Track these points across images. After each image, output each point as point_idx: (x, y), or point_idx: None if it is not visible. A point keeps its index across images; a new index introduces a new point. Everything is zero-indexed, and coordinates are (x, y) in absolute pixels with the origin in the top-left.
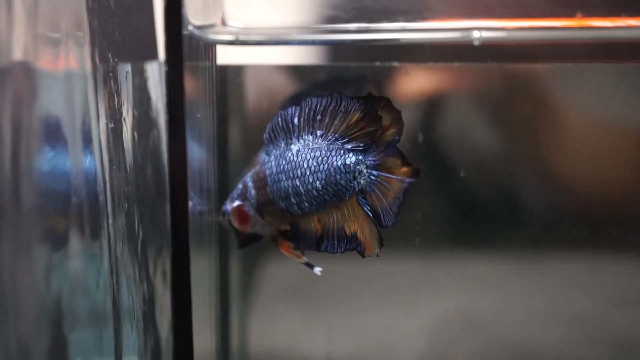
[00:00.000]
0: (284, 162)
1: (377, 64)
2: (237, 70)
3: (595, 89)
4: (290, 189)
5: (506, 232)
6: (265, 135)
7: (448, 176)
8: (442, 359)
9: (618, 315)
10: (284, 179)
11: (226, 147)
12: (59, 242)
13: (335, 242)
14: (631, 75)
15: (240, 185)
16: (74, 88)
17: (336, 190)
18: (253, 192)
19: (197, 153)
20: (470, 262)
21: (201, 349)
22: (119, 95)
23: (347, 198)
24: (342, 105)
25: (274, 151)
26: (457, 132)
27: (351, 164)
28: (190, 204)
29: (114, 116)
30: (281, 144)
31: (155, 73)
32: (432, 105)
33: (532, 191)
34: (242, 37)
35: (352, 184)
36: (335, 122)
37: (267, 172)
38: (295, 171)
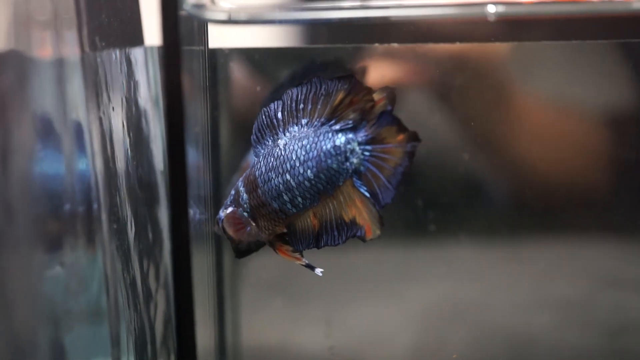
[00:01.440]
0: (272, 159)
1: (376, 45)
2: (229, 54)
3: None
4: (281, 185)
5: (487, 218)
6: (253, 137)
7: (426, 161)
8: (434, 347)
9: (604, 298)
10: (273, 176)
11: (218, 137)
12: (50, 241)
13: (335, 233)
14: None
15: (232, 191)
16: (63, 75)
17: (329, 177)
18: (245, 196)
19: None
20: (453, 250)
21: (200, 345)
22: (107, 83)
23: (341, 183)
24: (323, 89)
25: (262, 151)
26: (420, 116)
27: (341, 145)
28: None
29: (104, 105)
30: (268, 141)
31: (141, 59)
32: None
33: (508, 175)
34: (235, 16)
35: (344, 166)
36: (319, 107)
37: (257, 173)
38: (284, 165)
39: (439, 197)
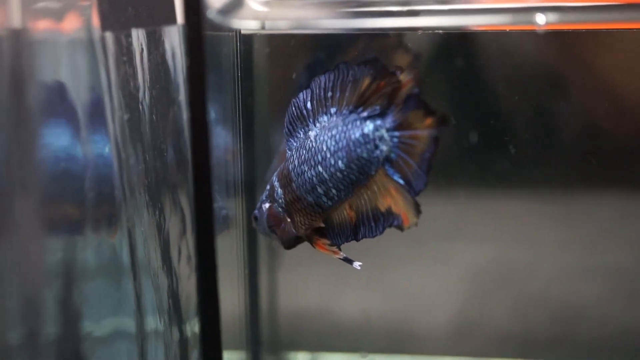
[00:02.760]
0: (304, 151)
1: (419, 32)
2: (264, 39)
3: None
4: (314, 178)
5: (543, 171)
6: (284, 130)
7: (477, 112)
8: (476, 316)
9: None
10: (306, 169)
11: (252, 125)
12: (70, 227)
13: (373, 224)
14: None
15: (268, 186)
16: (81, 58)
17: (360, 166)
18: (280, 191)
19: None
20: (504, 207)
21: (230, 308)
22: (133, 67)
23: (373, 172)
24: (350, 75)
25: (295, 144)
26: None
27: (370, 132)
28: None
29: (129, 91)
30: (300, 134)
31: (174, 40)
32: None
33: (569, 127)
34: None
35: (375, 155)
36: (347, 94)
37: (290, 167)
38: (316, 157)
39: (488, 153)
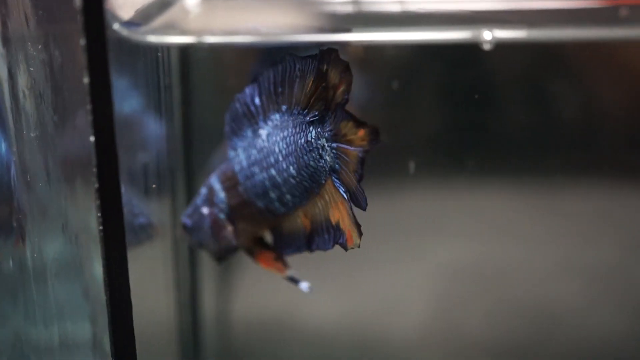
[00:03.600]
0: (254, 151)
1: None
2: (196, 49)
3: None
4: (267, 181)
5: (524, 165)
6: (227, 128)
7: (454, 100)
8: (452, 318)
9: None
10: (257, 171)
11: (190, 134)
12: None
13: (326, 236)
14: None
15: (203, 190)
16: None
17: (310, 174)
18: (222, 194)
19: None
20: (483, 201)
21: (159, 316)
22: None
23: (323, 182)
24: (297, 69)
25: (241, 143)
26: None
27: (312, 140)
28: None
29: (29, 87)
30: (247, 132)
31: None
32: None
33: (553, 118)
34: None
35: (321, 163)
36: (295, 91)
37: (237, 167)
38: (268, 159)
39: (470, 147)
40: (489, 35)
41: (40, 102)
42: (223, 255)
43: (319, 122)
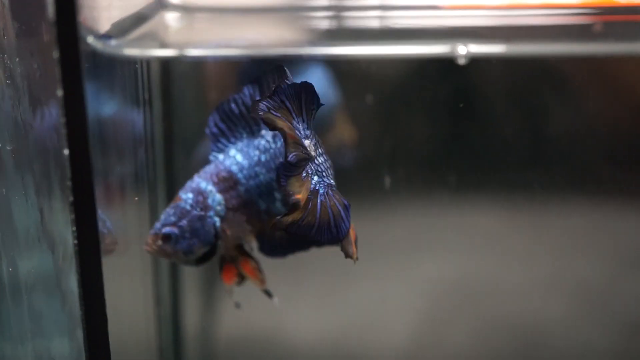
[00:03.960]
0: (256, 152)
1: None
2: (177, 62)
3: None
4: (274, 182)
5: (509, 181)
6: (212, 130)
7: (442, 122)
8: (437, 334)
9: (630, 284)
10: (263, 171)
11: (171, 148)
12: None
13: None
14: None
15: (188, 195)
16: None
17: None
18: (218, 197)
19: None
20: (468, 217)
21: (137, 333)
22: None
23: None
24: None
25: (234, 144)
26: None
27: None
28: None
29: None
30: (243, 133)
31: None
32: None
33: (538, 133)
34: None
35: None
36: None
37: (234, 168)
38: (275, 160)
39: (454, 160)
40: (463, 50)
41: (17, 115)
42: (197, 262)
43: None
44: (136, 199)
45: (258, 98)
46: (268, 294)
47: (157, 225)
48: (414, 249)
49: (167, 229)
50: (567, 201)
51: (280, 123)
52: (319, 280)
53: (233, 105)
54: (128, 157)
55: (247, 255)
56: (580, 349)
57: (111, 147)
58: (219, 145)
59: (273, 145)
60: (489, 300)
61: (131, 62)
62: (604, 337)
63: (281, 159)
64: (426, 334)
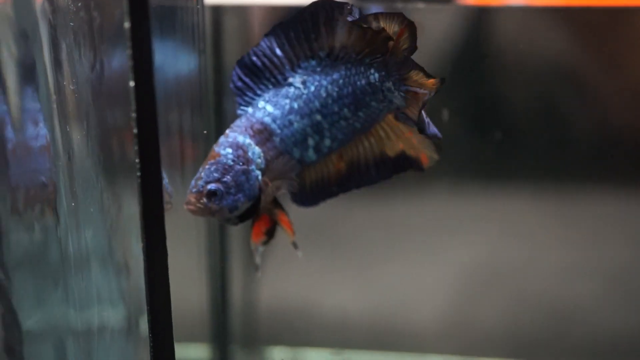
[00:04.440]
0: (286, 100)
1: (399, 5)
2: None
3: None
4: (308, 128)
5: (542, 165)
6: (237, 84)
7: (477, 103)
8: (467, 314)
9: None
10: (297, 119)
11: (222, 101)
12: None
13: (373, 172)
14: None
15: (227, 150)
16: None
17: (369, 114)
18: (257, 149)
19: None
20: (500, 201)
21: (193, 299)
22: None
23: (381, 120)
24: (335, 14)
25: (262, 95)
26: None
27: (377, 82)
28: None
29: (67, 63)
30: (267, 84)
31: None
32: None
33: (572, 120)
34: None
35: (384, 103)
36: (337, 35)
37: (267, 119)
38: (310, 105)
39: (487, 144)
40: None
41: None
42: (240, 219)
43: (381, 65)
44: (205, 132)
45: (277, 48)
46: (295, 245)
47: (200, 182)
48: (447, 231)
49: (212, 185)
50: (594, 188)
51: None
52: (356, 258)
53: (254, 58)
54: (185, 110)
55: (282, 207)
56: (609, 327)
57: (172, 99)
58: (246, 99)
59: (305, 91)
60: (520, 281)
61: (189, 10)
62: (629, 316)
63: (317, 102)
64: (458, 311)
